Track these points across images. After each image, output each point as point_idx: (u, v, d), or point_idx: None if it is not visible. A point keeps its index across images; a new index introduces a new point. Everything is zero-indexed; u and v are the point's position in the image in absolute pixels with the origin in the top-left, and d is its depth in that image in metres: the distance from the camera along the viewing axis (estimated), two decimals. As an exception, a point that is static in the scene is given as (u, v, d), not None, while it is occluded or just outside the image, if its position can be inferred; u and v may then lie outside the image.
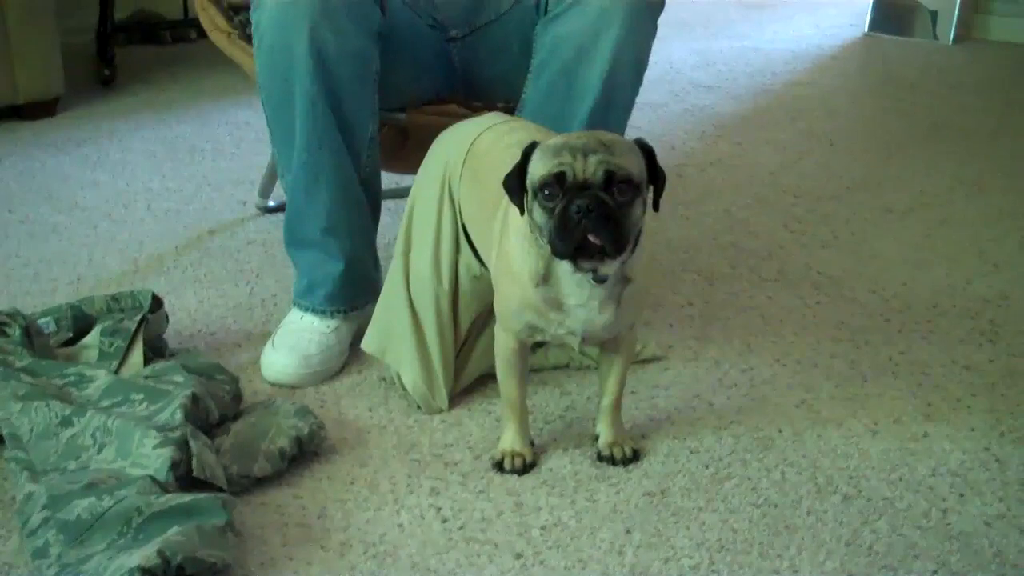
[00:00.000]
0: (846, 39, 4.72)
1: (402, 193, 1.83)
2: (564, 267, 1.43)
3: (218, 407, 1.61)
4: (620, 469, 1.60)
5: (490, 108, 1.86)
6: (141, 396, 1.57)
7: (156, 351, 1.80)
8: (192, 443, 1.45)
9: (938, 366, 1.91)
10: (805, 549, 1.44)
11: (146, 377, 1.64)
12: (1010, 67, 4.30)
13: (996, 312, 2.13)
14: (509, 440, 1.60)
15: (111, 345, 1.74)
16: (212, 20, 2.20)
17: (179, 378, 1.62)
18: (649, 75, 1.87)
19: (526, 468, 1.59)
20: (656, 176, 1.42)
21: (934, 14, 4.68)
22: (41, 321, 1.79)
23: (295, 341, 1.82)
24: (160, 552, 1.26)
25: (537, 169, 1.38)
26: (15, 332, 1.70)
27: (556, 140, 1.40)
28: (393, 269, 1.77)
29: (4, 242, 2.34)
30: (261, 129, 1.81)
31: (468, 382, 1.78)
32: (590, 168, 1.35)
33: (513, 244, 1.49)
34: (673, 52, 4.24)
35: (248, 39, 1.92)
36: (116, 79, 3.59)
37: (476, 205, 1.65)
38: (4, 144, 2.95)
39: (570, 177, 1.35)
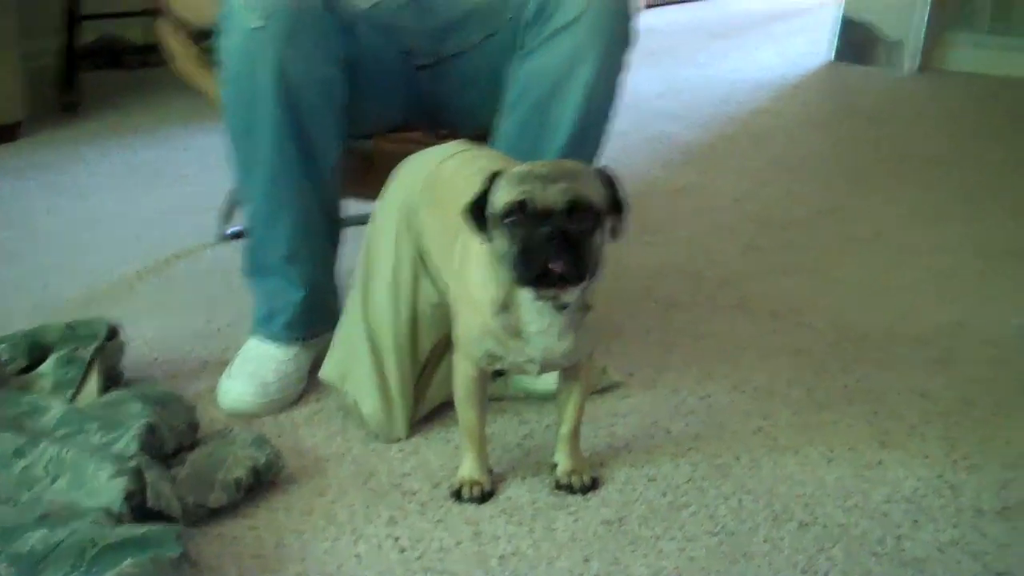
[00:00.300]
0: (810, 68, 4.78)
1: (364, 220, 1.83)
2: (525, 295, 1.44)
3: (174, 436, 1.60)
4: (578, 497, 1.60)
5: (456, 137, 1.87)
6: (96, 425, 1.55)
7: (112, 380, 1.79)
8: (147, 473, 1.44)
9: (894, 393, 1.93)
10: (761, 577, 1.45)
11: (101, 406, 1.62)
12: (972, 97, 4.36)
13: (952, 340, 2.15)
14: (467, 469, 1.60)
15: (66, 374, 1.73)
16: (176, 46, 2.20)
17: (135, 407, 1.61)
18: (615, 105, 1.89)
19: (484, 497, 1.59)
20: (619, 205, 1.43)
21: (897, 44, 4.76)
22: (-4, 349, 1.77)
23: (253, 369, 1.82)
24: (112, 584, 1.24)
25: (500, 197, 1.39)
26: (-31, 361, 1.69)
27: (520, 168, 1.41)
28: (352, 297, 1.77)
29: (-38, 269, 2.33)
30: (224, 155, 1.81)
31: (427, 411, 1.78)
32: (552, 196, 1.36)
33: (473, 272, 1.50)
34: (638, 81, 4.26)
35: (212, 65, 1.92)
36: (80, 104, 3.58)
37: (437, 232, 1.65)
38: (-35, 169, 2.93)
39: (532, 205, 1.36)
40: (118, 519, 1.39)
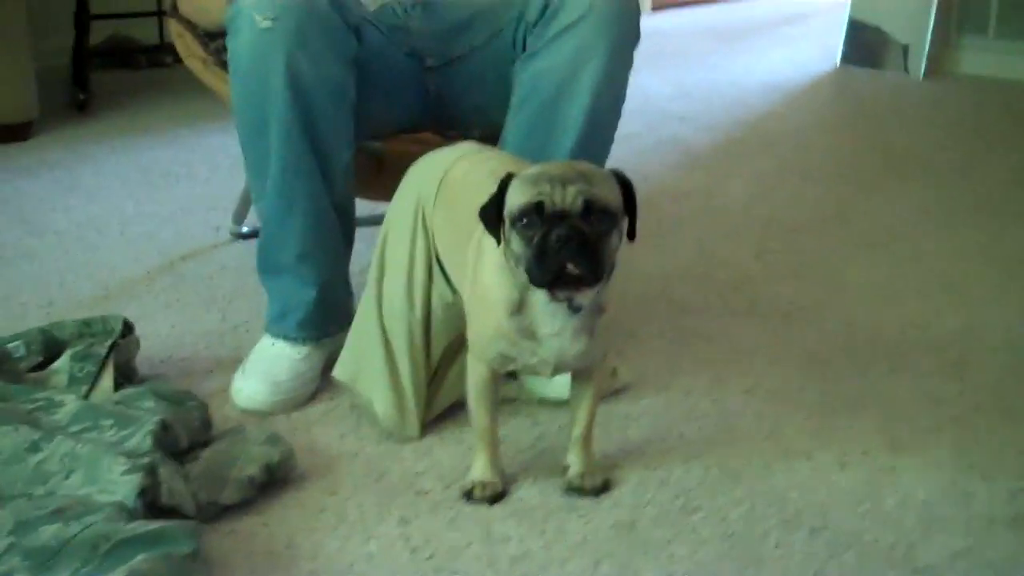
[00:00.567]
0: (819, 72, 4.77)
1: (376, 220, 1.84)
2: (539, 296, 1.44)
3: (188, 434, 1.60)
4: (590, 500, 1.60)
5: (465, 137, 1.87)
6: (110, 422, 1.56)
7: (126, 376, 1.80)
8: (160, 470, 1.45)
9: (906, 399, 1.92)
10: (773, 581, 1.45)
11: (116, 403, 1.63)
12: (980, 102, 4.35)
13: (964, 345, 2.15)
14: (479, 469, 1.60)
15: (81, 370, 1.73)
16: (188, 46, 2.21)
17: (149, 404, 1.61)
18: (624, 106, 1.89)
19: (496, 498, 1.59)
20: (632, 206, 1.44)
21: (905, 48, 4.75)
22: (11, 345, 1.78)
23: (266, 368, 1.82)
24: (126, 580, 1.25)
25: (515, 198, 1.39)
26: (-16, 356, 1.69)
27: (534, 170, 1.41)
28: (366, 297, 1.77)
29: (-25, 265, 2.34)
30: (235, 155, 1.81)
31: (440, 410, 1.78)
32: (568, 198, 1.36)
33: (488, 273, 1.50)
34: (648, 83, 4.27)
35: (223, 65, 1.92)
36: (91, 103, 3.59)
37: (450, 233, 1.65)
38: (-23, 167, 2.94)
39: (549, 207, 1.36)
40: (131, 515, 1.39)
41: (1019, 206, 3.06)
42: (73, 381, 1.72)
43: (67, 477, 1.47)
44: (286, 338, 1.86)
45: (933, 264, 2.59)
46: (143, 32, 4.25)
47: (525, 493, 1.61)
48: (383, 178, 2.04)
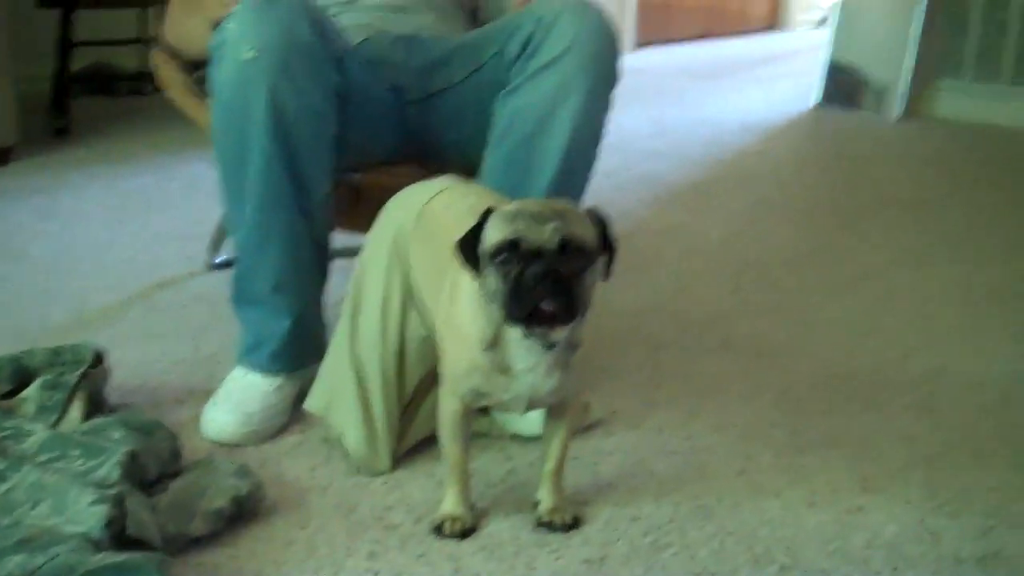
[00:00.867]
0: (796, 112, 4.82)
1: (352, 252, 1.84)
2: (513, 332, 1.44)
3: (157, 464, 1.59)
4: (560, 536, 1.59)
5: (445, 171, 1.88)
6: (79, 452, 1.55)
7: (96, 406, 1.78)
8: (128, 501, 1.44)
9: (877, 437, 1.93)
10: (741, 619, 1.45)
11: (84, 432, 1.62)
12: (956, 144, 4.41)
13: (936, 384, 2.16)
14: (450, 504, 1.60)
15: (50, 399, 1.72)
16: (168, 75, 2.21)
17: (118, 434, 1.60)
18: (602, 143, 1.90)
19: (466, 533, 1.58)
20: (609, 245, 1.44)
21: (883, 90, 4.80)
22: (-20, 373, 1.77)
23: (237, 399, 1.81)
24: (90, 612, 1.24)
25: (492, 235, 1.40)
26: (-47, 384, 1.68)
27: (512, 207, 1.42)
28: (340, 329, 1.77)
29: (-53, 291, 2.32)
30: (213, 184, 1.81)
31: (411, 444, 1.78)
32: (545, 235, 1.37)
33: (463, 308, 1.50)
34: (626, 120, 4.31)
35: (204, 95, 1.93)
36: (71, 130, 3.59)
37: (426, 267, 1.66)
38: (-47, 192, 2.93)
39: (525, 244, 1.37)
40: (98, 546, 1.38)
41: (992, 246, 3.09)
42: (42, 410, 1.71)
43: (34, 507, 1.45)
44: (258, 369, 1.86)
45: (906, 303, 2.61)
46: (124, 59, 4.26)
47: (495, 528, 1.61)
48: (360, 210, 2.04)
